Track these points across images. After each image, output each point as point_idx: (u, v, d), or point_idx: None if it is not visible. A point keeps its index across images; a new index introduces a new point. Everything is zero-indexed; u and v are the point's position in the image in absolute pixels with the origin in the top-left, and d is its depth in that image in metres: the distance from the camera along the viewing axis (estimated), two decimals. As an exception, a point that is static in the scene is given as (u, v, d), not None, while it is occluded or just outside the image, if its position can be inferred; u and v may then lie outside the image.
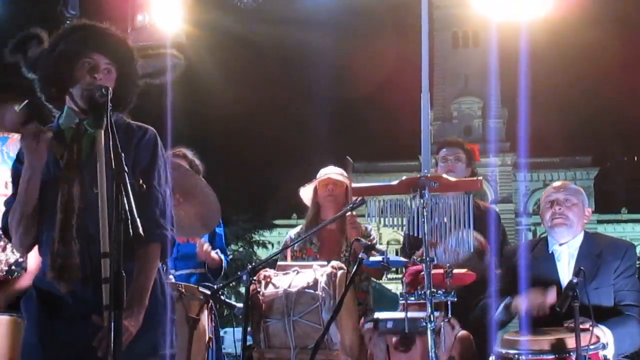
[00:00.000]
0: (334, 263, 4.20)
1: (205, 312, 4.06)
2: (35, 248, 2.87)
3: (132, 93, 2.93)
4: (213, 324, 4.15)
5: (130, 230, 2.29)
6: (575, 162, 65.99)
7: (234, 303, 4.40)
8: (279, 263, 4.45)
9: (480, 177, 4.20)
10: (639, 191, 64.91)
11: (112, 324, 2.29)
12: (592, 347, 3.36)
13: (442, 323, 3.64)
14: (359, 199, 4.27)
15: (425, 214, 3.61)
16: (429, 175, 3.85)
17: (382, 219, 3.82)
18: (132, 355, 2.51)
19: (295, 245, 4.88)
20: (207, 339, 4.05)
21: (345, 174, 5.05)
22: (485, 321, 3.89)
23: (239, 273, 4.27)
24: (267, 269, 4.29)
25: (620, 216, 65.21)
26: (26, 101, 2.70)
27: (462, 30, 67.23)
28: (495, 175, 61.53)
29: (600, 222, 58.97)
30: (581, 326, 3.32)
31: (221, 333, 4.67)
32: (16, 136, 3.90)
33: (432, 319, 3.47)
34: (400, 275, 4.09)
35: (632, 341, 3.70)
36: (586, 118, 75.42)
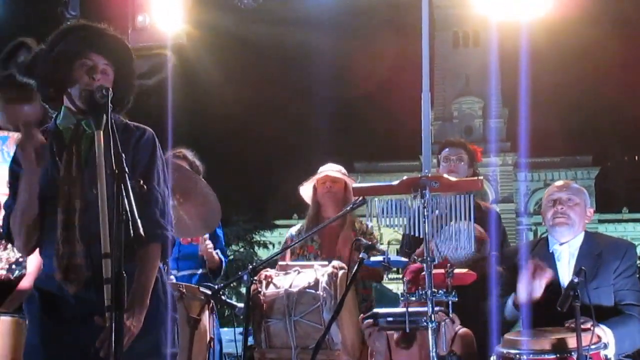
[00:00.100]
0: (335, 263, 4.20)
1: (206, 312, 4.07)
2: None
3: (130, 94, 2.93)
4: (214, 324, 4.16)
5: (131, 231, 2.29)
6: (576, 162, 65.99)
7: (234, 303, 4.41)
8: (279, 263, 4.46)
9: (481, 177, 4.19)
10: (639, 191, 64.93)
11: (114, 324, 2.29)
12: (593, 346, 3.36)
13: (442, 323, 3.63)
14: (360, 198, 4.27)
15: (425, 213, 3.61)
16: (429, 175, 3.84)
17: (382, 219, 3.81)
18: (133, 355, 2.52)
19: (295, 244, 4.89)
20: (208, 339, 4.05)
21: (344, 170, 5.06)
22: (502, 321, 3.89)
23: (239, 273, 4.27)
24: (268, 269, 4.29)
25: (621, 216, 65.18)
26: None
27: (463, 30, 67.25)
28: (496, 175, 61.53)
29: (601, 221, 58.96)
30: (582, 326, 3.32)
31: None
32: (17, 135, 3.89)
33: (432, 318, 3.47)
34: (401, 276, 4.08)
35: (633, 341, 3.71)
36: (587, 118, 75.50)
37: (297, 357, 3.99)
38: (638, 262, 4.21)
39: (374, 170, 62.96)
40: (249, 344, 4.18)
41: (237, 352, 4.33)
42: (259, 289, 4.12)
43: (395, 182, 3.79)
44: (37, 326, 2.78)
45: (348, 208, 4.47)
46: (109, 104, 2.54)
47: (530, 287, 3.71)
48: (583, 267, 3.52)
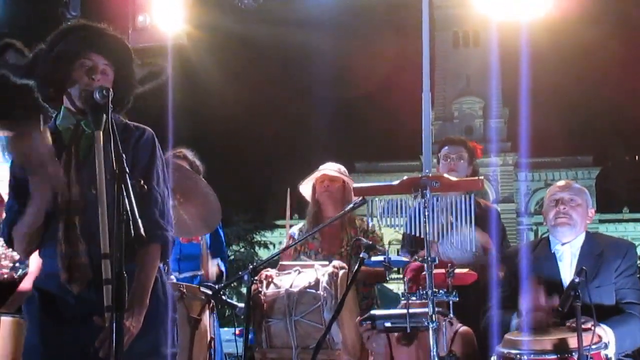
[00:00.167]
0: (336, 263, 4.20)
1: (207, 312, 4.07)
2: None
3: (130, 94, 2.93)
4: (214, 324, 4.16)
5: (132, 231, 2.29)
6: (577, 162, 65.98)
7: (235, 303, 4.40)
8: (280, 263, 4.46)
9: (482, 177, 4.19)
10: (640, 191, 64.91)
11: (114, 324, 2.29)
12: (594, 346, 3.36)
13: (443, 323, 3.63)
14: (360, 198, 4.27)
15: (426, 213, 3.61)
16: (430, 175, 3.85)
17: (383, 219, 3.82)
18: (133, 355, 2.51)
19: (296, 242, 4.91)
20: (208, 339, 4.05)
21: (343, 169, 5.06)
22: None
23: (240, 273, 4.27)
24: (269, 269, 4.29)
25: (622, 216, 65.16)
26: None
27: (463, 30, 67.23)
28: (496, 175, 61.51)
29: (601, 221, 58.93)
30: (583, 326, 3.32)
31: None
32: None
33: (433, 319, 3.47)
34: (401, 276, 4.09)
35: (634, 339, 3.70)
36: (587, 117, 75.44)
37: (298, 357, 3.99)
38: (638, 261, 4.20)
39: (374, 170, 62.97)
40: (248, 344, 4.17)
41: (237, 352, 4.33)
42: (260, 289, 4.12)
43: (396, 182, 3.80)
44: (36, 326, 2.77)
45: (348, 208, 4.47)
46: (109, 104, 2.54)
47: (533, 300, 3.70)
48: (584, 267, 3.52)
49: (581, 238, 3.98)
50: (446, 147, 5.04)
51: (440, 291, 3.52)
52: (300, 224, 5.15)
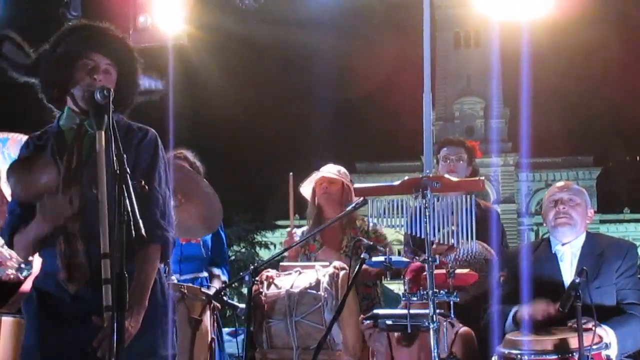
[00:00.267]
0: (336, 263, 4.20)
1: (208, 313, 4.07)
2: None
3: (133, 93, 2.93)
4: (215, 325, 4.16)
5: (133, 232, 2.29)
6: (578, 162, 65.97)
7: (236, 304, 4.40)
8: (281, 264, 4.46)
9: (482, 177, 4.19)
10: (641, 191, 64.87)
11: (115, 325, 2.29)
12: (594, 347, 3.36)
13: (443, 324, 3.63)
14: (361, 199, 4.27)
15: (427, 214, 3.61)
16: (431, 175, 3.85)
17: (384, 220, 3.82)
18: (130, 355, 2.51)
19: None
20: (209, 339, 4.05)
21: (343, 170, 5.06)
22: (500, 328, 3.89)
23: (241, 274, 4.27)
24: (270, 270, 4.29)
25: (623, 216, 65.12)
26: None
27: (464, 30, 67.21)
28: (497, 176, 61.47)
29: (602, 222, 58.88)
30: (584, 326, 3.31)
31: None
32: (16, 136, 3.89)
33: (434, 319, 3.47)
34: (402, 275, 4.09)
35: (635, 340, 3.70)
36: (588, 118, 75.33)
37: (299, 358, 3.99)
38: (639, 262, 4.20)
39: (375, 170, 62.95)
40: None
41: (238, 352, 4.33)
42: (261, 290, 4.12)
43: (397, 183, 3.80)
44: (34, 326, 2.77)
45: (349, 209, 4.47)
46: (110, 104, 2.54)
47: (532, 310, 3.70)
48: (584, 267, 3.52)
49: (582, 238, 3.98)
50: (445, 148, 5.05)
51: (441, 292, 3.52)
52: (304, 227, 5.16)
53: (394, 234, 4.88)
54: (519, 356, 3.43)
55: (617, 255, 3.88)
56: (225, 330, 4.43)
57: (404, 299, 3.68)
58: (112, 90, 2.59)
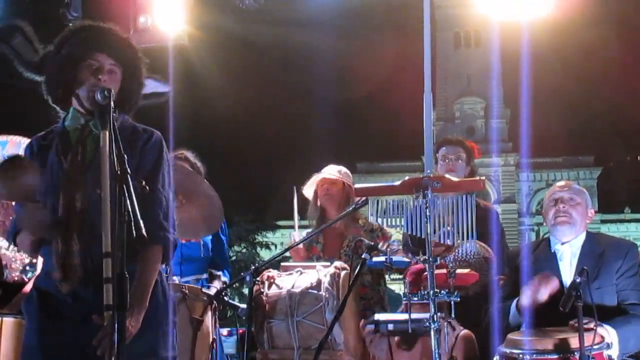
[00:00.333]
0: (337, 263, 4.21)
1: (209, 313, 4.07)
2: None
3: (138, 92, 2.94)
4: (216, 325, 4.16)
5: (133, 232, 2.29)
6: (578, 162, 65.96)
7: (237, 304, 4.40)
8: (282, 264, 4.46)
9: (483, 177, 4.20)
10: (642, 191, 64.83)
11: (116, 324, 2.29)
12: (596, 347, 3.35)
13: (444, 323, 3.63)
14: (362, 199, 4.27)
15: (428, 214, 3.61)
16: (431, 175, 3.85)
17: (384, 220, 3.82)
18: (130, 355, 2.51)
19: (303, 244, 4.93)
20: (210, 339, 4.05)
21: (344, 170, 5.07)
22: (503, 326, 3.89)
23: (242, 274, 4.27)
24: (271, 270, 4.29)
25: (624, 216, 65.12)
26: None
27: (464, 30, 67.21)
28: (497, 175, 61.49)
29: (603, 221, 58.89)
30: (585, 326, 3.31)
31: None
32: (15, 139, 3.90)
33: (435, 319, 3.46)
34: (402, 276, 4.09)
35: (637, 340, 3.70)
36: (588, 118, 75.32)
37: (300, 358, 3.99)
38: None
39: (375, 170, 62.98)
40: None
41: (235, 353, 4.33)
42: (262, 290, 4.12)
43: (397, 183, 3.80)
44: (35, 326, 2.78)
45: (349, 209, 4.47)
46: (111, 104, 2.55)
47: (534, 293, 3.70)
48: (585, 267, 3.52)
49: (581, 238, 3.97)
50: (444, 148, 5.05)
51: (442, 291, 3.52)
52: (309, 229, 5.17)
53: (395, 234, 4.88)
54: (520, 356, 3.43)
55: (618, 255, 3.88)
56: (221, 330, 4.42)
57: (404, 299, 3.69)
58: (112, 90, 2.60)
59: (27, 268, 3.86)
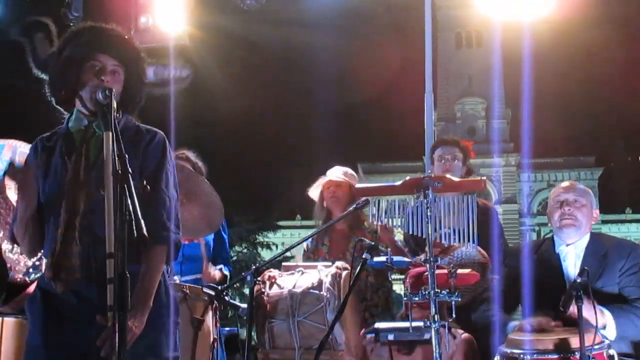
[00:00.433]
0: (339, 263, 4.20)
1: (210, 313, 4.06)
2: None
3: (141, 92, 2.94)
4: (217, 325, 4.15)
5: (135, 232, 2.29)
6: (579, 163, 65.89)
7: (238, 304, 4.40)
8: (283, 264, 4.46)
9: (484, 177, 4.20)
10: (643, 191, 64.77)
11: (117, 324, 2.29)
12: (596, 346, 3.35)
13: (444, 331, 3.63)
14: (363, 199, 4.28)
15: (429, 214, 3.61)
16: (432, 175, 3.85)
17: (385, 220, 3.82)
18: (132, 355, 2.51)
19: (309, 246, 4.93)
20: (211, 339, 4.05)
21: (350, 172, 5.08)
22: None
23: (243, 274, 4.27)
24: (272, 270, 4.29)
25: (625, 216, 65.07)
26: None
27: (465, 30, 67.14)
28: (499, 176, 61.45)
29: (604, 222, 58.84)
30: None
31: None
32: (12, 143, 3.90)
33: (435, 319, 3.46)
34: (403, 276, 4.09)
35: (637, 328, 3.69)
36: (589, 118, 75.37)
37: (301, 358, 3.99)
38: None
39: (377, 170, 62.94)
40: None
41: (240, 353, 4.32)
42: (263, 290, 4.12)
43: (399, 183, 3.80)
44: (38, 326, 2.78)
45: (350, 209, 4.48)
46: (112, 104, 2.55)
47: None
48: (586, 268, 3.52)
49: (586, 239, 3.98)
50: (440, 148, 5.06)
51: (443, 292, 3.52)
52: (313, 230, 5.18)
53: (397, 234, 4.89)
54: (521, 355, 3.43)
55: (621, 255, 3.88)
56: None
57: (405, 299, 3.69)
58: (113, 90, 2.61)
59: (31, 270, 3.87)
